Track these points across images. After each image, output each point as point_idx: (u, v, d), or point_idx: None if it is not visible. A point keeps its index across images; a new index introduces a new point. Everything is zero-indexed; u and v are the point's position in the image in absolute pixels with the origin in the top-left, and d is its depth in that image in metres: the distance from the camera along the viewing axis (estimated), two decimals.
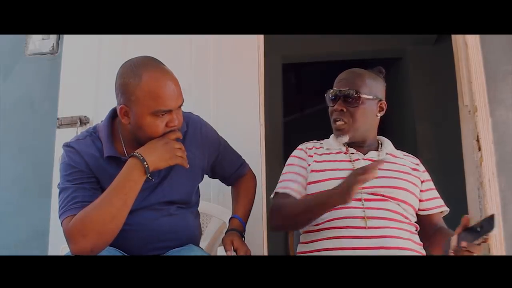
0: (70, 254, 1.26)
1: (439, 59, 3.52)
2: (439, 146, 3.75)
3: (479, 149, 2.09)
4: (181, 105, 1.40)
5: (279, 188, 1.60)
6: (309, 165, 1.60)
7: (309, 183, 1.56)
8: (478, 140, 2.10)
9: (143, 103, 1.33)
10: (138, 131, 1.38)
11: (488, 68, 2.16)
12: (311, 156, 1.62)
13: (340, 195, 1.30)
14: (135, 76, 1.34)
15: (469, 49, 2.17)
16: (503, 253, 1.97)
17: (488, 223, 1.15)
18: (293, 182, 1.58)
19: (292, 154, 1.68)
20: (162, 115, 1.35)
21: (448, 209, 1.62)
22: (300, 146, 1.69)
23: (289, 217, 1.49)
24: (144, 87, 1.33)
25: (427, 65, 3.98)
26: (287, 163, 1.67)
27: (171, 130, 1.38)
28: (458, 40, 2.23)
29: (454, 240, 1.21)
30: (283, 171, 1.65)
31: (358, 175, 1.26)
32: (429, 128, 3.95)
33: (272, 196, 1.63)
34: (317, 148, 1.66)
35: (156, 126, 1.36)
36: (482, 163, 2.07)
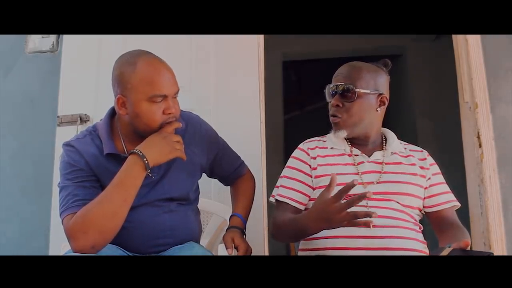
0: (71, 251, 1.26)
1: (440, 55, 3.51)
2: (439, 142, 3.74)
3: (480, 145, 2.09)
4: (177, 93, 1.41)
5: (278, 195, 1.55)
6: (314, 168, 1.54)
7: (315, 188, 1.53)
8: (478, 137, 2.10)
9: (139, 90, 1.34)
10: (136, 120, 1.38)
11: (488, 64, 2.16)
12: (314, 158, 1.55)
13: (322, 222, 1.27)
14: (130, 65, 1.35)
15: (470, 45, 2.17)
16: (504, 249, 1.98)
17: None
18: (292, 190, 1.53)
19: (293, 155, 1.61)
20: (159, 101, 1.36)
21: (459, 204, 1.56)
22: (301, 146, 1.62)
23: (284, 236, 1.51)
24: (139, 74, 1.34)
25: (428, 62, 3.98)
26: (287, 164, 1.60)
27: (168, 122, 1.38)
28: (458, 36, 2.23)
29: (445, 252, 1.18)
30: (283, 173, 1.60)
31: (335, 203, 1.22)
32: (429, 125, 3.95)
33: (271, 199, 1.60)
34: (320, 148, 1.58)
35: (152, 113, 1.36)
36: (483, 159, 2.08)
